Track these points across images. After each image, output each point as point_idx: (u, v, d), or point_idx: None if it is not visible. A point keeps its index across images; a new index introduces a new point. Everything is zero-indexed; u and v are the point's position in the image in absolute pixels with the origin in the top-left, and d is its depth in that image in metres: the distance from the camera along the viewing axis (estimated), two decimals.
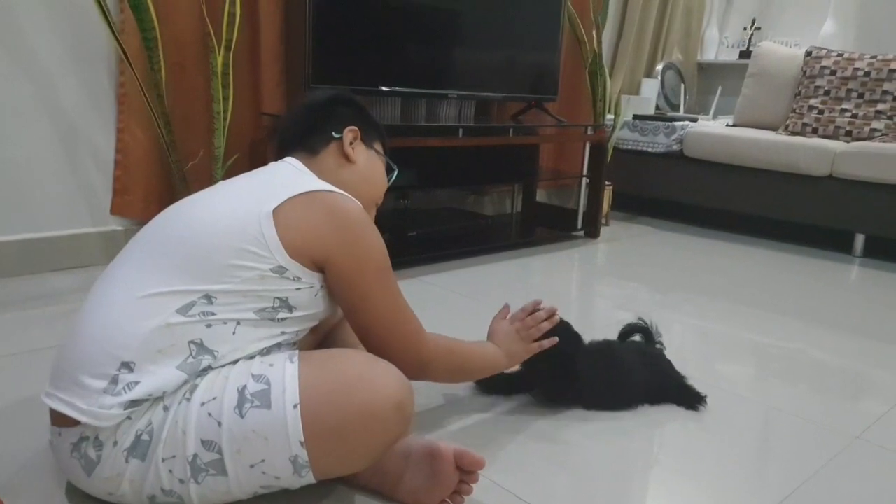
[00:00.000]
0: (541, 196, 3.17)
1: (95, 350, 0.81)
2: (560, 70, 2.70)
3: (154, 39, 1.74)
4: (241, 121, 2.09)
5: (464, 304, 1.86)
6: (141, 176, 1.97)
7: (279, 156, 1.05)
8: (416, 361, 0.96)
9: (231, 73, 1.87)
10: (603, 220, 2.90)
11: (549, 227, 2.84)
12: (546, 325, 1.19)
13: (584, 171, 2.77)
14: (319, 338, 1.17)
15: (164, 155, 1.93)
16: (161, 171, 1.99)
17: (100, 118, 1.92)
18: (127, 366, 0.80)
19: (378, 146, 1.11)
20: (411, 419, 0.88)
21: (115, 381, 0.80)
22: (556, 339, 1.18)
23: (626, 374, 1.28)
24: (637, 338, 1.42)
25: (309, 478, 0.84)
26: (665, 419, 1.25)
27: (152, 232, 0.91)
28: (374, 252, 0.92)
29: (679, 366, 1.37)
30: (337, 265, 0.90)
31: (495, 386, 1.30)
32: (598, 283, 2.16)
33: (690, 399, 1.30)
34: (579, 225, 2.80)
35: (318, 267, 0.90)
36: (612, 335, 1.66)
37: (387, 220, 2.56)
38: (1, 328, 1.49)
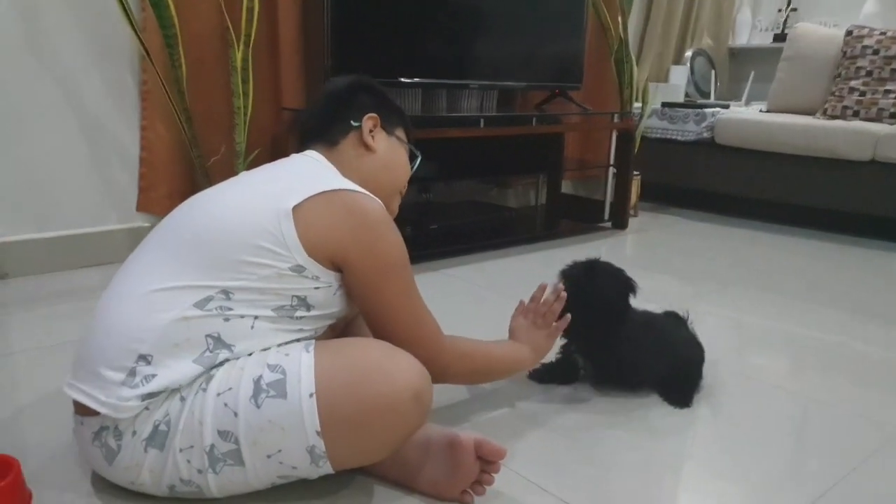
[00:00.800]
0: (566, 187, 3.12)
1: (113, 343, 0.81)
2: (584, 57, 2.64)
3: (174, 36, 1.75)
4: (262, 116, 2.09)
5: (487, 297, 1.83)
6: (165, 172, 1.99)
7: (300, 148, 1.04)
8: (435, 366, 0.93)
9: (251, 67, 1.87)
10: (631, 211, 2.84)
11: (575, 218, 2.79)
12: (558, 306, 1.17)
13: (611, 161, 2.71)
14: (338, 332, 1.15)
15: (186, 151, 1.94)
16: (185, 167, 2.00)
17: (124, 116, 1.94)
18: (144, 358, 0.80)
19: (400, 133, 1.09)
20: (429, 409, 0.86)
21: (132, 373, 0.80)
22: (569, 317, 1.15)
23: (668, 345, 1.24)
24: None
25: (326, 468, 0.83)
26: (696, 412, 1.20)
27: (170, 225, 0.90)
28: (393, 253, 0.90)
29: (713, 356, 1.32)
30: (355, 266, 0.88)
31: (547, 374, 1.28)
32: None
33: (681, 396, 1.22)
34: (606, 216, 2.74)
35: (337, 267, 0.89)
36: None
37: (409, 213, 2.54)
38: (31, 323, 1.51)
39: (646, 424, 1.15)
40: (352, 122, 1.02)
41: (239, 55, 1.84)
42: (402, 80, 2.13)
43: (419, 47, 2.16)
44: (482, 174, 2.58)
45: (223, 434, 0.80)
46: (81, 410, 0.85)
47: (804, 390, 1.31)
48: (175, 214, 0.92)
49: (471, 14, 2.28)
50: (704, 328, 1.63)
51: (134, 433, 0.81)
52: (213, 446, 0.80)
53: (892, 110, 2.70)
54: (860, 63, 2.82)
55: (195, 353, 0.82)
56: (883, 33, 2.81)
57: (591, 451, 1.06)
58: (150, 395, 0.80)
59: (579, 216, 2.80)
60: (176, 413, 0.81)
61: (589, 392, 1.26)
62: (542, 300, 1.19)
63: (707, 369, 1.30)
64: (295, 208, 0.85)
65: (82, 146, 1.89)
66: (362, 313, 0.94)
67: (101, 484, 0.91)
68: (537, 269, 2.12)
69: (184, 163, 2.00)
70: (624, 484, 0.97)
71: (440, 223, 2.54)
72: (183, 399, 0.81)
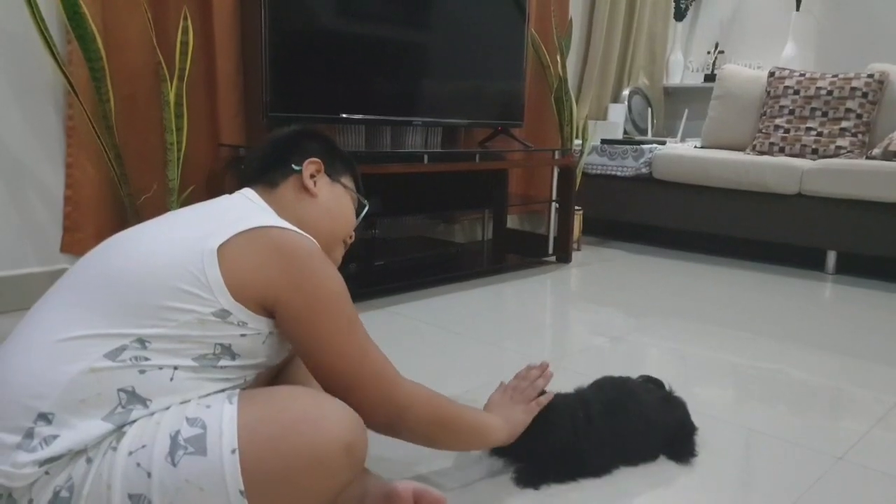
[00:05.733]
0: (512, 222, 3.14)
1: (8, 400, 0.73)
2: (525, 95, 2.69)
3: (101, 70, 1.68)
4: (198, 152, 2.02)
5: (435, 333, 1.79)
6: (92, 212, 1.89)
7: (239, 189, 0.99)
8: (390, 406, 0.85)
9: (185, 103, 1.82)
10: (574, 245, 2.87)
11: (520, 253, 2.80)
12: (542, 382, 1.09)
13: (554, 197, 2.75)
14: (269, 379, 1.09)
15: (116, 189, 1.85)
16: (114, 205, 1.91)
17: (47, 153, 1.85)
18: (44, 417, 0.72)
19: (346, 180, 1.04)
20: (362, 462, 0.81)
21: (30, 434, 0.72)
22: (552, 395, 1.07)
23: (648, 421, 1.13)
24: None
25: None
26: None
27: (83, 267, 0.83)
28: (327, 288, 0.84)
29: None
30: (287, 306, 0.82)
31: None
32: (572, 309, 2.11)
33: (685, 453, 1.16)
34: (550, 250, 2.76)
35: (268, 311, 0.83)
36: (588, 361, 1.61)
37: (354, 249, 2.49)
38: None
39: None
40: (293, 165, 0.98)
41: (172, 90, 1.78)
42: (345, 116, 2.11)
43: (362, 84, 2.15)
44: (428, 210, 2.56)
45: (134, 498, 0.72)
46: None
47: (746, 420, 1.32)
48: (89, 256, 0.85)
49: (414, 52, 2.29)
50: (649, 360, 1.64)
51: (30, 501, 0.73)
52: None
53: (814, 146, 2.84)
54: (783, 102, 2.98)
55: (105, 410, 0.74)
56: (802, 74, 2.98)
57: (535, 495, 1.02)
58: (51, 460, 0.72)
59: (524, 251, 2.82)
60: (80, 477, 0.73)
61: None
62: (524, 375, 1.11)
63: None
64: (220, 248, 0.79)
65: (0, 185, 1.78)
66: (303, 360, 0.87)
67: None
68: (485, 304, 2.10)
69: (113, 201, 1.91)
70: None
71: (386, 259, 2.50)
72: (90, 461, 0.73)
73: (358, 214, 1.06)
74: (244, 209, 0.89)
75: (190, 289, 0.78)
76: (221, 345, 0.80)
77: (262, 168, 0.98)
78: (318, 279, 0.84)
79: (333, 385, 0.86)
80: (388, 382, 0.86)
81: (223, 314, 0.79)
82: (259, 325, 0.82)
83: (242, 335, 0.81)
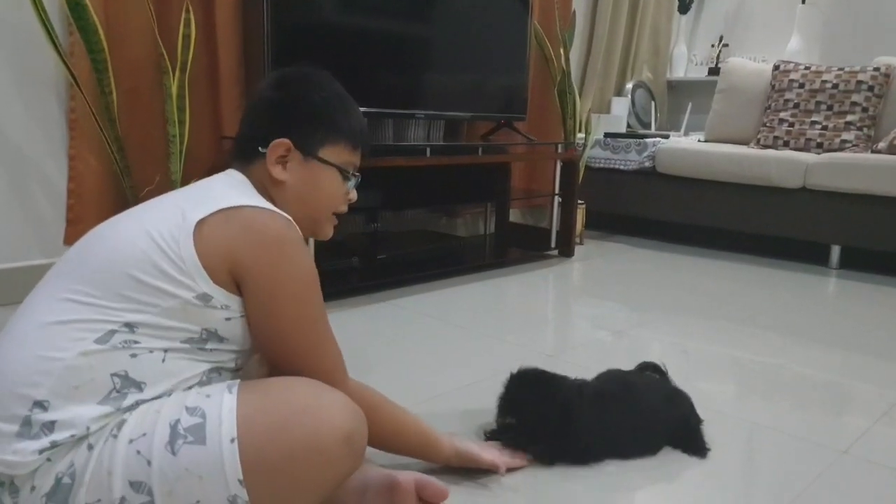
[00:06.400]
0: (514, 216, 3.13)
1: (2, 391, 0.73)
2: (528, 89, 2.68)
3: (104, 62, 1.68)
4: (200, 144, 2.02)
5: (437, 327, 1.78)
6: (95, 204, 1.89)
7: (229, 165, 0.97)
8: None
9: (187, 95, 1.81)
10: (577, 239, 2.87)
11: (522, 246, 2.79)
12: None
13: (556, 190, 2.74)
14: (269, 372, 1.08)
15: (118, 181, 1.85)
16: (116, 198, 1.91)
17: (50, 146, 1.85)
18: (40, 405, 0.72)
19: (329, 152, 0.95)
20: (362, 453, 0.81)
21: (27, 422, 0.72)
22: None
23: (646, 416, 1.13)
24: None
25: None
26: None
27: (68, 259, 0.83)
28: (294, 274, 0.82)
29: None
30: (252, 289, 0.81)
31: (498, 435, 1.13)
32: (575, 303, 2.11)
33: (697, 447, 1.16)
34: (553, 244, 2.75)
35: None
36: (590, 355, 1.61)
37: (357, 243, 2.49)
38: None
39: None
40: (259, 148, 0.92)
41: (174, 82, 1.78)
42: None
43: (364, 76, 2.15)
44: (430, 204, 2.56)
45: (135, 485, 0.72)
46: None
47: (750, 415, 1.31)
48: (75, 247, 0.85)
49: (416, 45, 2.28)
50: (651, 354, 1.64)
51: (33, 488, 0.73)
52: (123, 499, 0.72)
53: (819, 140, 2.83)
54: (788, 96, 2.96)
55: (99, 395, 0.74)
56: (807, 68, 2.96)
57: (537, 483, 1.02)
58: (53, 446, 0.72)
59: (527, 244, 2.81)
60: (82, 463, 0.73)
61: None
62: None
63: None
64: (198, 225, 0.79)
65: (2, 177, 1.78)
66: (260, 346, 0.85)
67: None
68: (487, 298, 2.10)
69: (115, 193, 1.91)
70: None
71: (388, 253, 2.49)
72: (91, 447, 0.74)
73: (348, 185, 0.98)
74: (223, 188, 0.87)
75: (168, 269, 0.77)
76: (207, 330, 0.80)
77: (237, 143, 0.95)
78: (286, 266, 0.82)
79: (282, 372, 0.85)
80: (335, 384, 0.84)
81: (205, 298, 0.78)
82: (242, 307, 0.82)
83: (227, 318, 0.81)
